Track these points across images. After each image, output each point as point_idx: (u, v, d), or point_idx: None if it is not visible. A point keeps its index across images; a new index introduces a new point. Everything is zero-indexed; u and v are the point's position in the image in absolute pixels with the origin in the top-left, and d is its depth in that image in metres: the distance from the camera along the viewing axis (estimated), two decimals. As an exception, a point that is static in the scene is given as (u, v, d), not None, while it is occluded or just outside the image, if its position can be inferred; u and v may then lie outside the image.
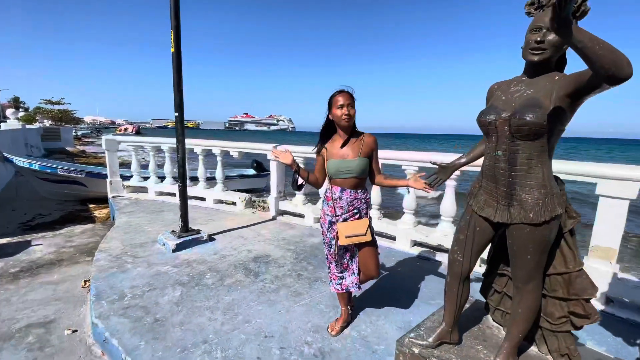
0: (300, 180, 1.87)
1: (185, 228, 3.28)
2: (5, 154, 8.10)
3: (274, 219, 4.17)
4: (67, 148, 25.13)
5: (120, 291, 2.30)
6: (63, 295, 2.46)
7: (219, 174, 4.71)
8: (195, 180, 5.04)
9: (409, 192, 3.15)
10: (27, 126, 20.52)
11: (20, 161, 8.17)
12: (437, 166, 1.66)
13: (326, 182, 1.86)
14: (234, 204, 4.72)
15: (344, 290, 1.88)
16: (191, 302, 2.17)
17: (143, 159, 5.92)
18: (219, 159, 4.69)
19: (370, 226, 1.79)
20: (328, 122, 1.80)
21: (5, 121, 18.28)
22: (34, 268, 2.86)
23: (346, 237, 1.72)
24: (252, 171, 12.46)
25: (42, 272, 2.80)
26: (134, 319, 1.98)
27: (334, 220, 1.78)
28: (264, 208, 4.68)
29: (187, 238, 3.16)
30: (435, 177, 1.65)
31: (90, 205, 9.01)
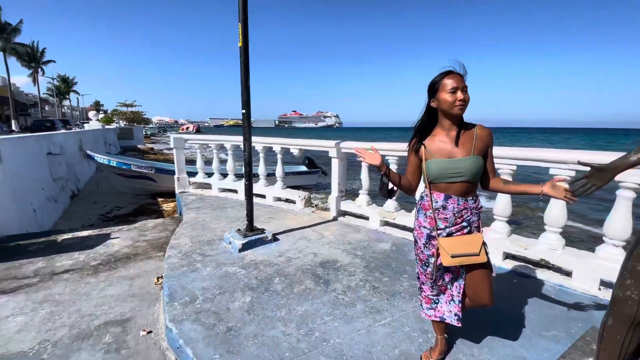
0: (391, 185, 1.58)
1: (251, 227, 3.20)
2: (88, 152, 9.08)
3: (334, 219, 3.94)
4: (139, 146, 27.87)
5: (191, 293, 2.24)
6: (138, 291, 2.49)
7: (279, 171, 4.62)
8: (255, 176, 5.03)
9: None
10: (106, 126, 23.04)
11: (100, 158, 9.09)
12: (589, 168, 1.24)
13: (421, 186, 1.54)
14: (293, 202, 4.60)
15: (438, 319, 1.56)
16: (262, 311, 2.02)
17: (204, 156, 6.17)
18: (279, 156, 4.59)
19: (484, 244, 1.44)
20: (428, 112, 1.48)
21: (88, 122, 20.77)
22: (112, 261, 2.98)
23: (452, 257, 1.38)
24: (303, 168, 12.46)
25: (120, 266, 2.90)
26: (206, 326, 1.87)
27: (434, 234, 1.45)
28: (324, 208, 4.48)
29: (253, 238, 3.07)
30: (585, 182, 1.23)
31: (159, 199, 9.76)
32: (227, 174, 5.28)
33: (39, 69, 34.56)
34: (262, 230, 3.21)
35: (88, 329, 2.00)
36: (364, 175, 3.68)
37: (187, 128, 75.22)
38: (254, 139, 4.54)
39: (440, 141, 1.44)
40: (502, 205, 2.69)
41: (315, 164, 12.51)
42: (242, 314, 1.99)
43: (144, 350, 1.85)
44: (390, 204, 3.49)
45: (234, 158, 5.08)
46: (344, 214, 3.99)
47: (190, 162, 7.46)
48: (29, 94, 44.85)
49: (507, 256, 2.73)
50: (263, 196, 4.82)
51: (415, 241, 1.54)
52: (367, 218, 3.71)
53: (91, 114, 20.36)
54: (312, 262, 2.72)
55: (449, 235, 1.44)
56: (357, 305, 2.10)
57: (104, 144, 18.12)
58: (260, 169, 4.81)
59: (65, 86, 46.91)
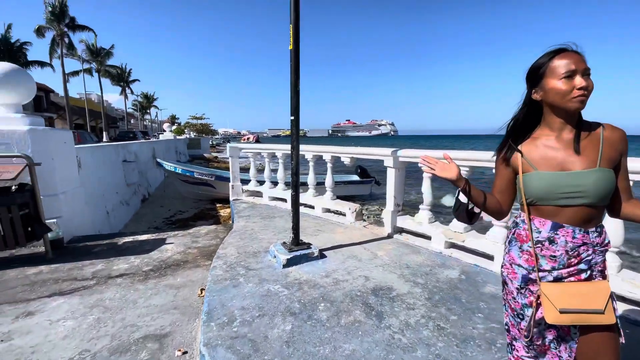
0: (471, 206, 1.20)
1: (296, 241, 2.98)
2: (158, 160, 9.92)
3: (389, 237, 3.53)
4: (205, 154, 30.28)
5: (230, 312, 2.06)
6: (181, 303, 2.40)
7: (329, 181, 4.38)
8: (304, 185, 4.88)
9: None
10: (178, 137, 25.43)
11: (168, 165, 9.86)
12: None
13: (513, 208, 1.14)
14: (343, 214, 4.30)
15: None
16: (303, 345, 1.74)
17: (260, 164, 6.31)
18: (329, 165, 4.36)
19: (612, 297, 0.98)
20: (528, 107, 1.09)
21: (163, 133, 23.14)
22: (163, 268, 2.99)
23: (562, 313, 0.95)
24: (355, 177, 12.10)
25: (169, 273, 2.89)
26: (241, 356, 1.65)
27: (533, 276, 1.04)
28: (375, 221, 4.10)
29: (298, 253, 2.84)
30: None
31: (218, 205, 10.25)
32: (278, 182, 5.21)
33: (127, 88, 39.99)
34: (309, 245, 2.96)
35: (127, 342, 1.92)
36: (426, 187, 3.23)
37: (248, 138, 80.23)
38: (303, 147, 4.39)
39: (546, 147, 1.03)
40: (611, 230, 2.05)
41: (368, 173, 12.06)
42: (280, 346, 1.73)
43: (175, 374, 1.70)
44: (459, 222, 2.98)
45: (284, 166, 5.00)
46: (401, 231, 3.57)
47: (246, 170, 7.66)
48: (118, 109, 52.20)
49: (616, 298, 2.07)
50: (312, 207, 4.62)
51: (505, 282, 1.13)
52: (428, 238, 3.23)
53: (165, 126, 22.76)
54: (363, 288, 2.38)
55: (557, 280, 1.01)
56: (417, 350, 1.70)
57: (175, 152, 20.00)
58: (310, 178, 4.63)
59: (146, 102, 53.61)
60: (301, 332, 1.85)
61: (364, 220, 4.10)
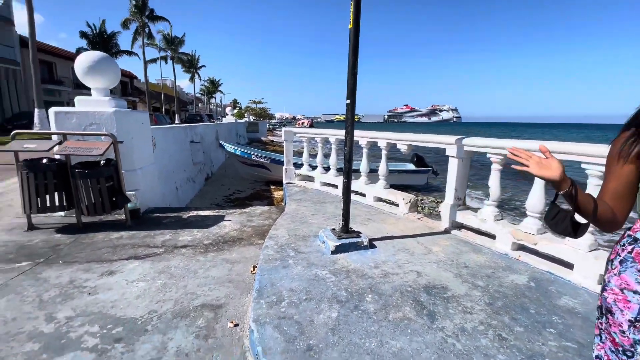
0: (577, 216, 0.99)
1: (346, 229, 2.93)
2: (220, 142, 10.59)
3: (446, 232, 3.29)
4: (262, 138, 31.63)
5: (279, 292, 2.12)
6: (235, 277, 2.55)
7: (382, 169, 4.22)
8: (356, 172, 4.78)
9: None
10: (238, 120, 26.85)
11: (229, 147, 10.48)
12: None
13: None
14: (395, 204, 4.13)
15: None
16: (349, 335, 1.71)
17: (312, 148, 6.40)
18: (384, 152, 4.18)
19: None
20: None
21: (225, 116, 24.60)
22: (220, 243, 3.20)
23: None
24: (411, 166, 11.56)
25: (225, 248, 3.08)
26: (287, 337, 1.69)
27: None
28: (430, 213, 3.85)
29: (347, 241, 2.80)
30: None
31: (272, 187, 10.69)
32: (329, 168, 5.18)
33: (196, 73, 43.18)
34: (358, 234, 2.90)
35: (187, 308, 2.10)
36: (494, 180, 2.91)
37: (302, 123, 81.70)
38: (357, 132, 4.25)
39: None
40: None
41: (425, 162, 11.41)
42: (325, 332, 1.73)
43: (227, 344, 1.81)
44: (531, 222, 2.63)
45: (336, 152, 4.94)
46: (460, 226, 3.30)
47: (299, 154, 7.78)
48: (188, 94, 56.83)
49: None
50: (363, 194, 4.51)
51: (609, 311, 0.92)
52: (492, 237, 2.94)
53: (227, 109, 24.20)
54: (414, 284, 2.25)
55: None
56: (474, 359, 1.56)
57: (235, 135, 21.22)
58: (363, 165, 4.50)
59: (212, 87, 57.42)
60: (347, 321, 1.83)
61: (419, 213, 3.88)
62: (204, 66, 44.78)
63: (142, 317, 1.97)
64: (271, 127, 53.47)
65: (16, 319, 1.93)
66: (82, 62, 3.72)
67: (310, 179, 5.63)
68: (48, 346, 1.72)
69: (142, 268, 2.59)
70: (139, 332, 1.85)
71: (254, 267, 2.73)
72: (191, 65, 41.66)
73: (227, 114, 23.54)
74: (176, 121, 29.91)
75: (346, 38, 2.60)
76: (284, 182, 5.75)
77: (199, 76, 45.04)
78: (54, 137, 3.61)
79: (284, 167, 5.76)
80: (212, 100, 63.15)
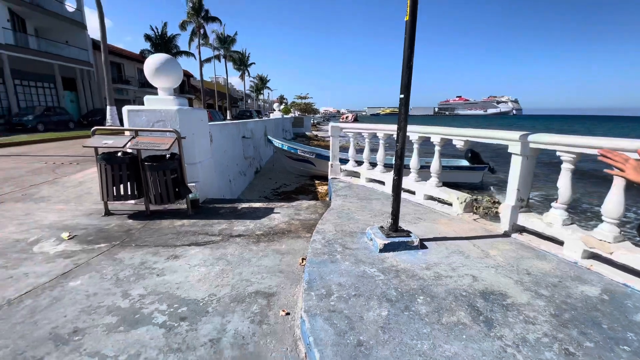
0: None
1: (395, 227, 2.88)
2: (269, 137, 10.97)
3: (506, 235, 3.07)
4: (307, 133, 32.11)
5: (328, 286, 2.16)
6: (285, 268, 2.65)
7: (435, 166, 4.04)
8: (405, 168, 4.64)
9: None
10: (285, 116, 27.56)
11: (276, 142, 10.81)
12: None
13: None
14: (448, 204, 3.94)
15: None
16: (400, 334, 1.69)
17: (358, 143, 6.35)
18: (437, 148, 4.00)
19: None
20: None
21: (272, 112, 25.40)
22: (271, 234, 3.34)
23: None
24: (465, 162, 10.90)
25: (275, 240, 3.21)
26: (337, 330, 1.72)
27: None
28: (487, 214, 3.61)
29: (396, 240, 2.75)
30: None
31: (316, 182, 10.84)
32: (376, 164, 5.10)
33: (246, 71, 45.04)
34: (408, 233, 2.83)
35: (243, 294, 2.24)
36: (564, 181, 2.63)
37: (346, 117, 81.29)
38: (409, 127, 4.12)
39: None
40: None
41: (481, 158, 10.66)
42: (376, 330, 1.73)
43: (280, 331, 1.89)
44: (607, 229, 2.34)
45: (384, 148, 4.84)
46: (522, 230, 3.05)
47: (345, 149, 7.76)
48: (238, 90, 59.58)
49: None
50: (412, 192, 4.37)
51: None
52: (560, 242, 2.67)
53: (275, 105, 24.97)
54: (470, 288, 2.14)
55: None
56: (538, 373, 1.45)
57: (282, 130, 21.84)
58: (413, 161, 4.35)
59: (261, 83, 59.47)
60: (397, 321, 1.80)
61: (474, 213, 3.66)
62: (254, 63, 46.61)
63: (204, 299, 2.15)
64: (315, 121, 53.98)
65: (97, 294, 2.21)
66: (151, 64, 4.09)
67: (355, 174, 5.59)
68: (124, 320, 1.95)
69: (202, 254, 2.81)
70: (201, 312, 2.01)
71: (302, 259, 2.80)
72: (242, 63, 43.60)
73: (274, 110, 24.29)
74: (228, 117, 31.59)
75: (390, 30, 2.53)
76: (329, 177, 5.79)
77: (249, 73, 46.97)
78: (127, 133, 4.04)
79: (330, 163, 5.79)
80: (261, 97, 65.57)
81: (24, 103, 20.31)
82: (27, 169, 6.48)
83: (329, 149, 6.51)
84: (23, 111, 17.85)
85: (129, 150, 3.82)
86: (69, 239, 3.10)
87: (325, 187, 9.67)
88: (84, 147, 3.80)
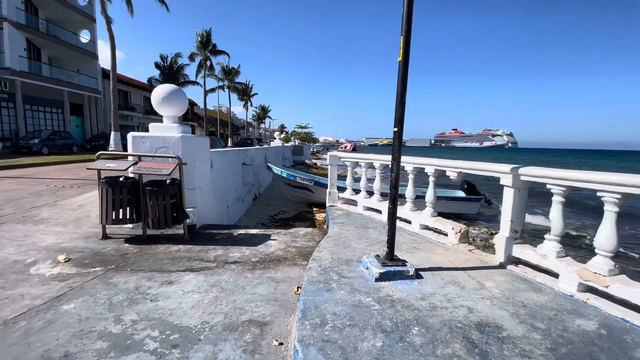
0: None
1: (391, 256, 2.89)
2: (269, 164, 11.14)
3: (501, 266, 3.07)
4: (306, 161, 32.54)
5: (322, 315, 2.14)
6: (280, 296, 2.62)
7: (430, 196, 4.11)
8: (401, 197, 4.70)
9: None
10: (285, 144, 28.08)
11: (276, 169, 10.96)
12: None
13: None
14: (444, 234, 3.96)
15: None
16: (393, 366, 1.67)
17: (356, 172, 6.49)
18: (431, 179, 4.09)
19: None
20: None
21: (273, 140, 25.94)
22: (267, 261, 3.33)
23: None
24: (461, 193, 11.00)
25: (271, 267, 3.20)
26: (330, 361, 1.70)
27: None
28: (484, 245, 3.62)
29: (392, 269, 2.75)
30: None
31: (314, 209, 10.85)
32: (374, 193, 5.17)
33: (249, 101, 46.49)
34: (404, 263, 2.83)
35: (236, 322, 2.21)
36: (556, 214, 2.69)
37: (345, 147, 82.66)
38: (404, 158, 4.24)
39: None
40: None
41: (477, 190, 10.78)
42: (369, 361, 1.70)
43: (272, 362, 1.86)
44: (601, 262, 2.37)
45: (381, 177, 4.93)
46: (517, 261, 3.06)
47: (343, 177, 7.88)
48: (240, 119, 61.13)
49: None
50: (408, 221, 4.41)
51: None
52: (555, 275, 2.68)
53: (275, 134, 25.59)
54: (465, 320, 2.13)
55: None
56: (534, 409, 1.42)
57: (282, 158, 22.16)
58: (408, 191, 4.43)
59: (263, 113, 61.12)
60: (392, 352, 1.78)
61: (470, 244, 3.68)
62: (257, 94, 48.25)
63: (196, 326, 2.12)
64: (314, 150, 54.86)
65: (89, 319, 2.18)
66: (158, 94, 4.29)
67: (353, 202, 5.65)
68: (115, 345, 1.92)
69: (196, 280, 2.79)
70: (193, 340, 1.98)
71: (298, 287, 2.78)
72: (245, 93, 45.14)
73: (274, 138, 24.82)
74: (229, 144, 32.15)
75: (389, 60, 2.71)
76: (327, 204, 5.84)
77: (251, 103, 48.50)
78: (130, 157, 4.14)
79: (328, 190, 5.86)
80: (262, 125, 67.14)
81: (31, 127, 20.78)
82: (29, 191, 6.52)
83: (327, 177, 6.61)
84: (30, 134, 18.21)
85: (131, 175, 3.90)
86: (65, 262, 3.08)
87: (323, 215, 9.67)
88: (88, 169, 3.88)
